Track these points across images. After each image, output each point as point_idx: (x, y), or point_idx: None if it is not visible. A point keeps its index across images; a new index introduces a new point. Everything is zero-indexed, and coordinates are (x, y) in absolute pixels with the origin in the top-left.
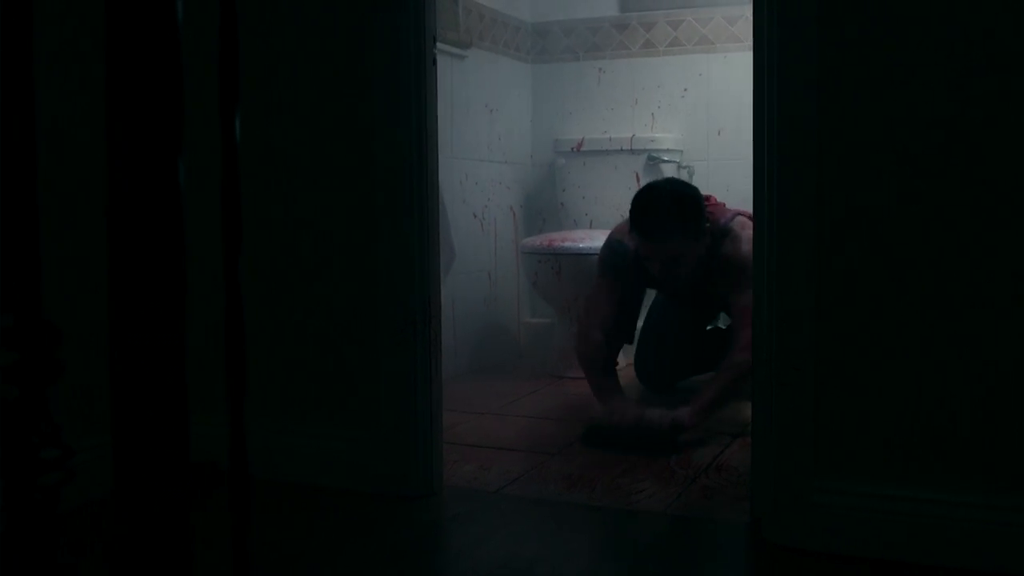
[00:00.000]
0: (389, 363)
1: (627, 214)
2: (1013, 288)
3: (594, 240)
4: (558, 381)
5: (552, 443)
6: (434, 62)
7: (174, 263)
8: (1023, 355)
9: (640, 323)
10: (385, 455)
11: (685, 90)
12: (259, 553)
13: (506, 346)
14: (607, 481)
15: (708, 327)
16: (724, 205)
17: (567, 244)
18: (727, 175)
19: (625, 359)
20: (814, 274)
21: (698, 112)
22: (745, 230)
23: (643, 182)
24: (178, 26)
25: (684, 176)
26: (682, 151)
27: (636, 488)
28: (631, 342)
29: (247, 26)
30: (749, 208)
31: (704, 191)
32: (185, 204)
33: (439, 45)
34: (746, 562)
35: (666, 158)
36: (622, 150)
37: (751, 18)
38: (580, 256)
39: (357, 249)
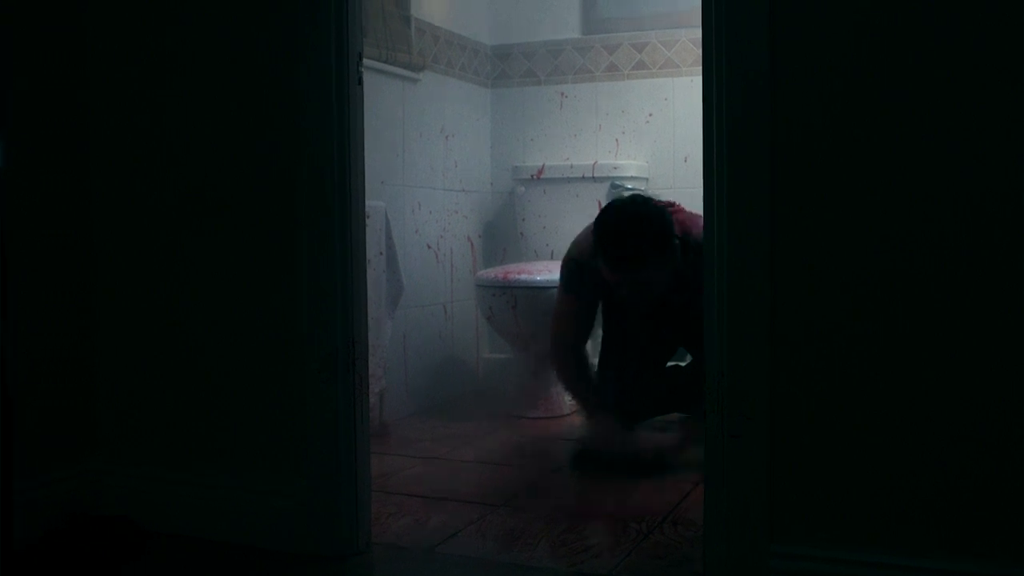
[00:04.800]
0: (310, 409)
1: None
2: (998, 330)
3: (552, 272)
4: (516, 421)
5: (499, 493)
6: (360, 82)
7: None
8: (1011, 405)
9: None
10: (306, 510)
11: (650, 115)
12: None
13: (463, 383)
14: (552, 538)
15: (669, 363)
16: (693, 214)
17: (523, 277)
18: (695, 203)
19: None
20: (768, 310)
21: (664, 138)
22: None
23: None
24: None
25: None
26: (647, 178)
27: (582, 546)
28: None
29: (156, 54)
30: None
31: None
32: None
33: (390, 68)
34: None
35: (630, 186)
36: (584, 177)
37: None
38: (537, 290)
39: (275, 285)
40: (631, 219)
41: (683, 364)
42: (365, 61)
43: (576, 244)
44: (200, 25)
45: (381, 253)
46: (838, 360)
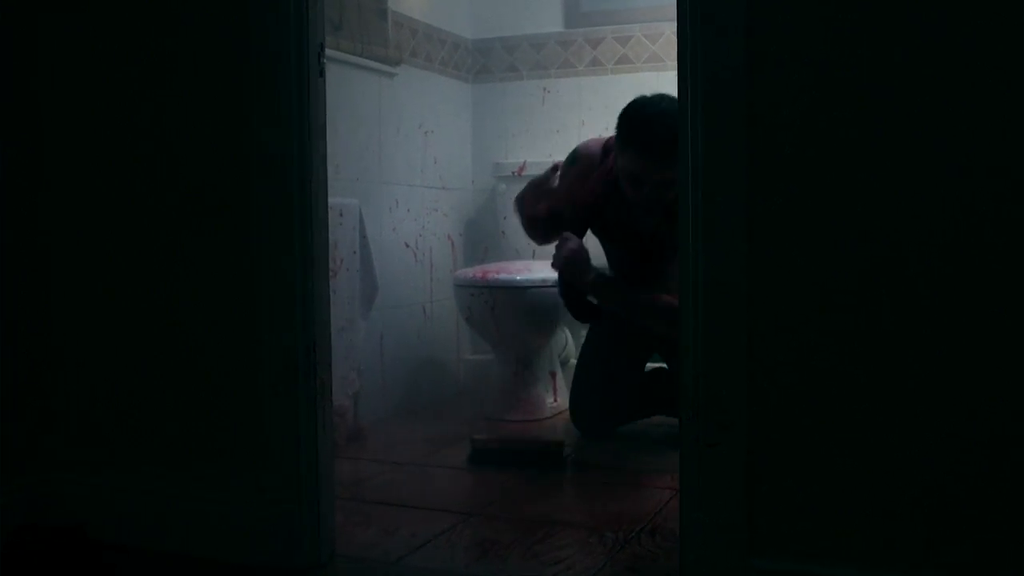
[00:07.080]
0: (270, 416)
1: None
2: (991, 327)
3: (532, 272)
4: (495, 424)
5: (472, 501)
6: (321, 74)
7: None
8: (1009, 405)
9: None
10: (265, 521)
11: None
12: None
13: (443, 385)
14: (523, 549)
15: (647, 366)
16: None
17: (502, 277)
18: None
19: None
20: (745, 307)
21: None
22: None
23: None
24: None
25: None
26: None
27: (555, 557)
28: None
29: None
30: None
31: None
32: None
33: (365, 61)
34: None
35: None
36: None
37: None
38: (516, 290)
39: (232, 286)
40: (667, 106)
41: (663, 367)
42: (339, 55)
43: (584, 144)
44: (170, 18)
45: (355, 252)
46: (820, 360)
